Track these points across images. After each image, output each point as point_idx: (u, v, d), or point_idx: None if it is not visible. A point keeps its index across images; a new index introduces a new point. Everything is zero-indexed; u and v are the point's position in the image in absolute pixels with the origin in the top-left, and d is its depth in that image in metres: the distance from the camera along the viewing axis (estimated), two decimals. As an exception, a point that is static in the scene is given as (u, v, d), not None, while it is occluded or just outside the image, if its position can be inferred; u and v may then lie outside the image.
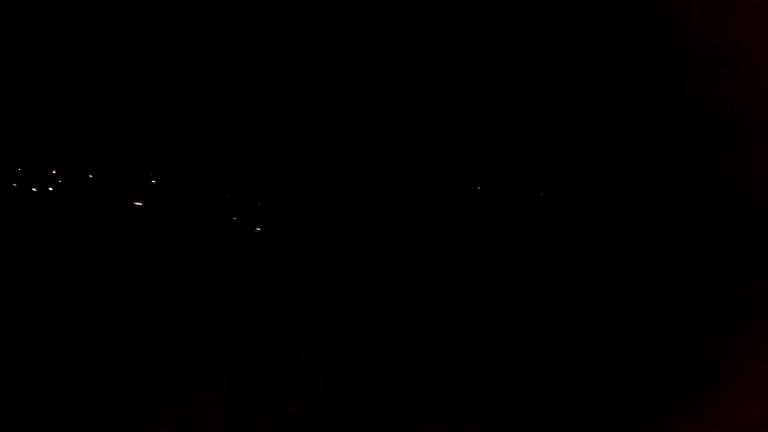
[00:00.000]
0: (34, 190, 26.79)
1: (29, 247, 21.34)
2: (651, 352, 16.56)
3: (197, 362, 14.14)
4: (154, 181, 25.73)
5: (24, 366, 13.59)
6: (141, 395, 13.24)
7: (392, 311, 19.37)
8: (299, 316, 17.83)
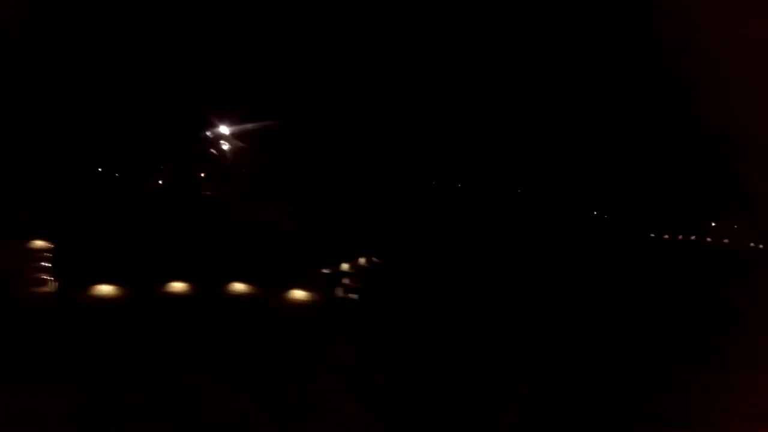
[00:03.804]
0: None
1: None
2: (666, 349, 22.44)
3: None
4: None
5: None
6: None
7: (412, 311, 27.11)
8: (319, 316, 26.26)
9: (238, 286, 31.01)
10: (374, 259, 45.71)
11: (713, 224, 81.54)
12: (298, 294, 30.44)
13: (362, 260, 42.86)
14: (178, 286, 31.11)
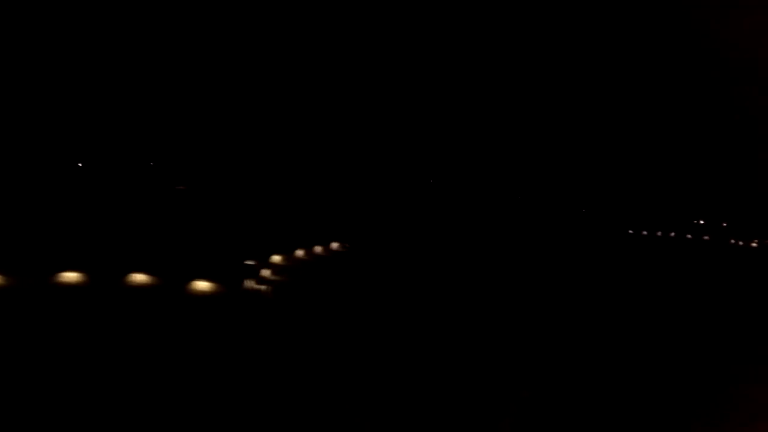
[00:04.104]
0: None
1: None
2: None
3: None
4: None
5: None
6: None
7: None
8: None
9: (138, 277, 28.02)
10: (345, 244, 43.19)
11: (700, 222, 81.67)
12: (202, 285, 27.43)
13: (300, 252, 40.16)
14: (71, 276, 28.05)
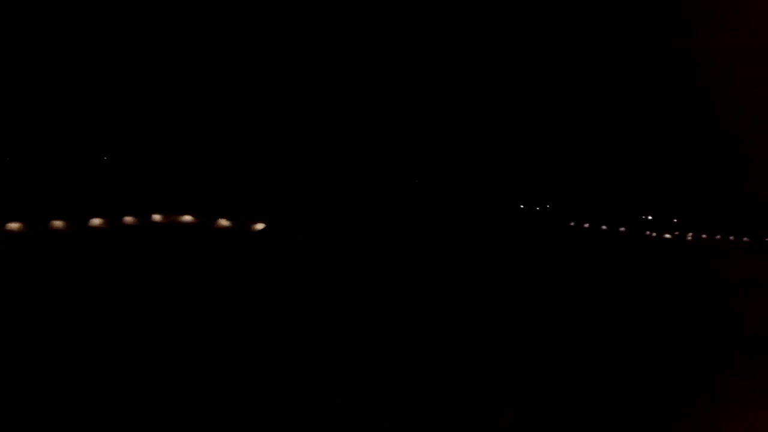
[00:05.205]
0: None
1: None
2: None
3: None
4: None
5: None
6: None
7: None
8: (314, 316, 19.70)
9: None
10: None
11: (649, 217, 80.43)
12: None
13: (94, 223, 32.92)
14: None
